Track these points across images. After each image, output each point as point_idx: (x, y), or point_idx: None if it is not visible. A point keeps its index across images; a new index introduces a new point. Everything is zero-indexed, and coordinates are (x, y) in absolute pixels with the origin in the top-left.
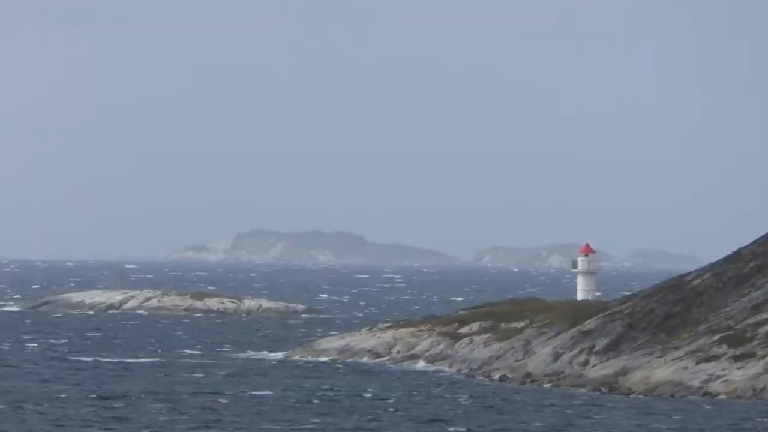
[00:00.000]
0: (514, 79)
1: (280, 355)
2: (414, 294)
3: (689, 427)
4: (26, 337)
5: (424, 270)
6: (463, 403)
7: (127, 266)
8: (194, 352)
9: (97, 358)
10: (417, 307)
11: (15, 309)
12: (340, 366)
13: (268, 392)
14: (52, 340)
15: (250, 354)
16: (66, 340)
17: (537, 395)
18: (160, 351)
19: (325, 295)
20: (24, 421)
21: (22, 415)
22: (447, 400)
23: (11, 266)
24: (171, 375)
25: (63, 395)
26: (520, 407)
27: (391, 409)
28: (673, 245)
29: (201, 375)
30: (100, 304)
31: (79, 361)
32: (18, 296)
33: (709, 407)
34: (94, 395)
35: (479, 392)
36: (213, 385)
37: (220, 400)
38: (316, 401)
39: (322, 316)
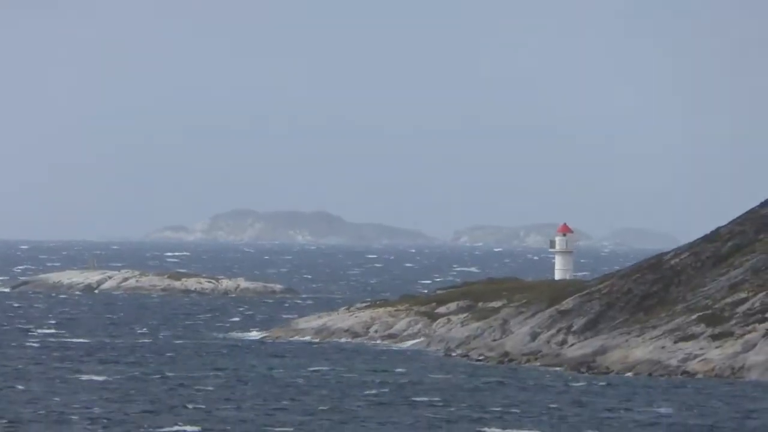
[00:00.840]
0: (494, 58)
1: (256, 334)
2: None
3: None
4: None
5: (412, 251)
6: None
7: (114, 247)
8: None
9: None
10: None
11: None
12: (322, 346)
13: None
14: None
15: (228, 334)
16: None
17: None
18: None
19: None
20: None
21: None
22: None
23: None
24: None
25: None
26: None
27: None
28: (654, 224)
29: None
30: (78, 284)
31: None
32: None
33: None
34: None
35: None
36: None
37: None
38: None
39: (303, 296)
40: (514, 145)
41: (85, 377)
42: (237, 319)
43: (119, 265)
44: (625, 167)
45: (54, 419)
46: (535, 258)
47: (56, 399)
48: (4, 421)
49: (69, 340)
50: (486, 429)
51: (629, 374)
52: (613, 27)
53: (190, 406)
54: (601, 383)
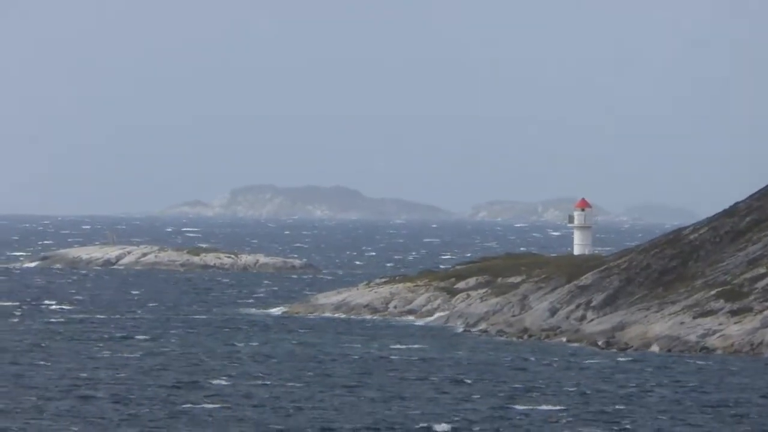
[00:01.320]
0: (506, 38)
1: (277, 310)
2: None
3: None
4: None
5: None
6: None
7: (135, 222)
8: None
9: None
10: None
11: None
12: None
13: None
14: None
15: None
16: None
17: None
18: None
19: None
20: None
21: None
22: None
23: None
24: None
25: None
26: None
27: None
28: (671, 199)
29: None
30: (97, 259)
31: None
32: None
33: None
34: None
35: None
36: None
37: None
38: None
39: (323, 273)
40: (532, 122)
41: (107, 353)
42: (259, 295)
43: (139, 240)
44: (642, 143)
45: (79, 395)
46: (556, 233)
47: (83, 374)
48: (33, 397)
49: (91, 316)
50: (512, 406)
51: (649, 350)
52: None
53: (214, 382)
54: (621, 359)
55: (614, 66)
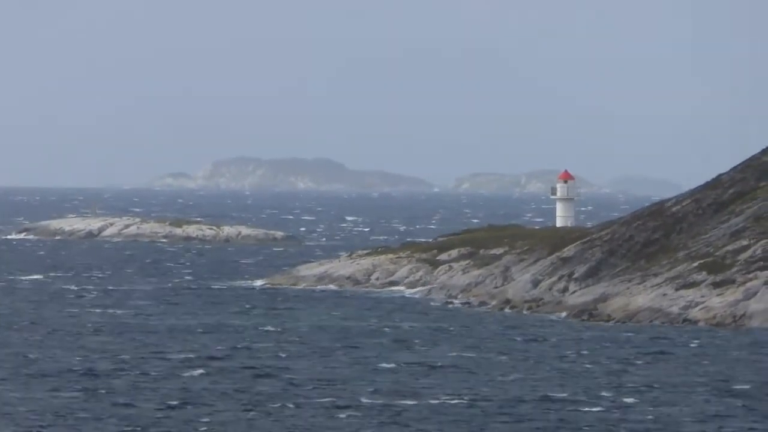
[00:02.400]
0: (495, 14)
1: (259, 282)
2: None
3: None
4: None
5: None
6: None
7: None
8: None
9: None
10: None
11: None
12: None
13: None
14: None
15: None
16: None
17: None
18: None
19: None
20: None
21: None
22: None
23: None
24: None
25: None
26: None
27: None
28: (655, 171)
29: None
30: (79, 231)
31: None
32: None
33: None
34: None
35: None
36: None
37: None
38: None
39: (306, 243)
40: (514, 94)
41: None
42: (240, 266)
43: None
44: (626, 114)
45: (86, 368)
46: (542, 207)
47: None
48: (53, 378)
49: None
50: (503, 378)
51: (630, 323)
52: None
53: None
54: (604, 331)
55: (600, 34)
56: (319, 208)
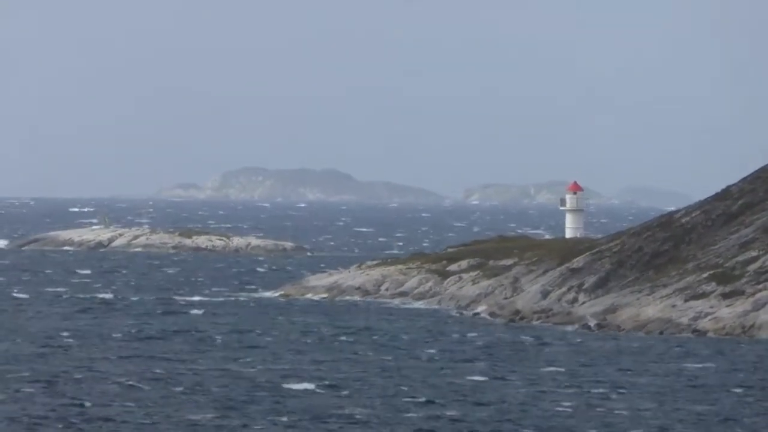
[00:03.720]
0: (506, 22)
1: (269, 293)
2: None
3: None
4: None
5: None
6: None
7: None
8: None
9: None
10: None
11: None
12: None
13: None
14: None
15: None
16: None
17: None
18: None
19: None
20: None
21: None
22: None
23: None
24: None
25: None
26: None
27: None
28: (664, 182)
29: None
30: (89, 242)
31: None
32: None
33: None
34: None
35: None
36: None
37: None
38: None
39: (316, 254)
40: (524, 103)
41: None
42: (248, 277)
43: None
44: (635, 125)
45: (96, 378)
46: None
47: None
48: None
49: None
50: (512, 390)
51: (641, 333)
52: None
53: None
54: (614, 342)
55: (603, 48)
56: (330, 218)
